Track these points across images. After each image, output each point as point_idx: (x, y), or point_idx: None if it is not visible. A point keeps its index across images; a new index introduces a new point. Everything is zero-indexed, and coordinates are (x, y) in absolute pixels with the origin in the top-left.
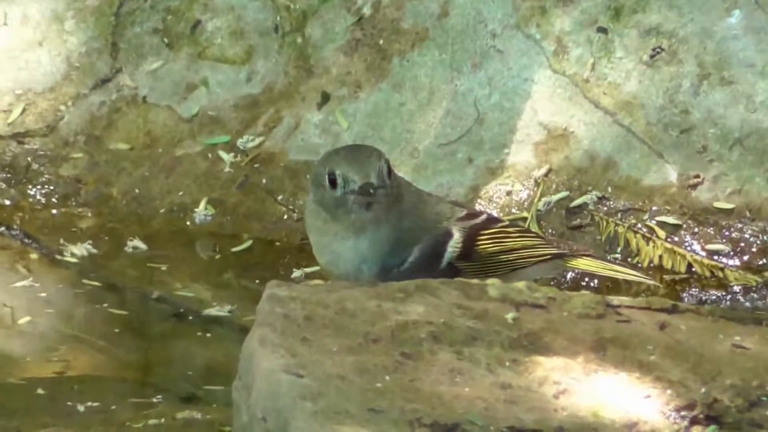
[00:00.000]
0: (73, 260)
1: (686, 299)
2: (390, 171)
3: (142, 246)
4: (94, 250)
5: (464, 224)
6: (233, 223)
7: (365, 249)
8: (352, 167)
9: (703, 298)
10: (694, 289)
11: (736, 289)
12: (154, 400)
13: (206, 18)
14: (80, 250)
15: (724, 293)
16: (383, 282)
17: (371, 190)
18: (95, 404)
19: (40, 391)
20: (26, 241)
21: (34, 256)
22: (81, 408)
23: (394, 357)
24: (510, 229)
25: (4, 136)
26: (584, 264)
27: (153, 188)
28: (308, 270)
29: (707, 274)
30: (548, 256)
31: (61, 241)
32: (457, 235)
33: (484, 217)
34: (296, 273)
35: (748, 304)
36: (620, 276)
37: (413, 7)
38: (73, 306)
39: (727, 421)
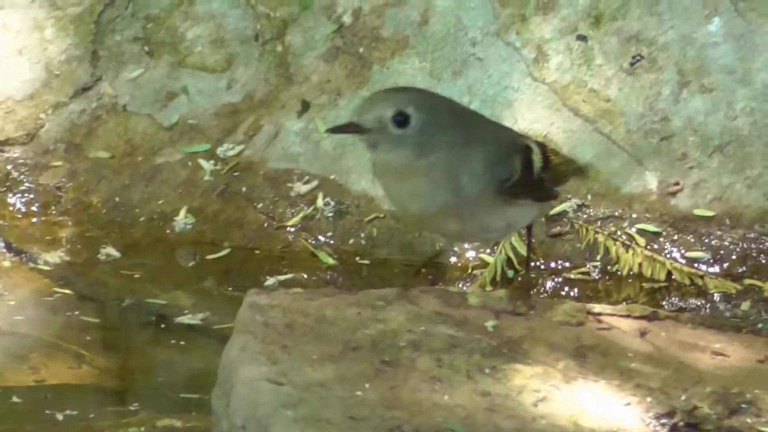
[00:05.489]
0: (51, 268)
1: (666, 307)
2: (403, 120)
3: (116, 254)
4: (73, 259)
5: (531, 139)
6: (213, 232)
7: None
8: (357, 106)
9: (683, 305)
10: (673, 297)
11: (716, 296)
12: (132, 408)
13: (186, 26)
14: (58, 258)
15: (703, 301)
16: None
17: (355, 130)
18: (74, 413)
19: (15, 399)
20: (4, 249)
21: (7, 263)
22: (60, 416)
23: (375, 365)
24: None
25: None
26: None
27: (133, 196)
28: (281, 278)
29: (687, 281)
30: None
31: (40, 249)
32: (535, 148)
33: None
34: (271, 281)
35: (727, 312)
36: None
37: (393, 14)
38: (48, 314)
39: (707, 429)
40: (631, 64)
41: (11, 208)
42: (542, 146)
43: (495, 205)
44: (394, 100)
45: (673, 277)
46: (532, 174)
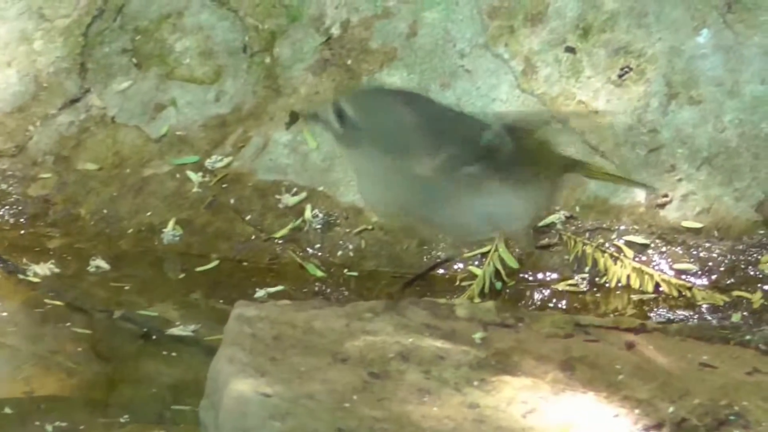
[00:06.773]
0: (40, 280)
1: (654, 319)
2: (341, 115)
3: (105, 266)
4: (62, 270)
5: (499, 121)
6: (202, 243)
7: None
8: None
9: (671, 317)
10: (661, 309)
11: (704, 308)
12: (122, 420)
13: (175, 38)
14: (48, 269)
15: (691, 312)
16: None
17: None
18: (63, 424)
19: (7, 410)
20: None
21: None
22: (49, 428)
23: (363, 376)
24: None
25: None
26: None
27: (121, 208)
28: (270, 290)
29: (675, 293)
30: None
31: (29, 260)
32: (501, 129)
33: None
34: (260, 293)
35: (715, 323)
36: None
37: (382, 26)
38: (38, 326)
39: None
40: (620, 76)
41: (0, 220)
42: (511, 128)
43: (459, 192)
44: (342, 96)
45: (661, 288)
46: (495, 156)
